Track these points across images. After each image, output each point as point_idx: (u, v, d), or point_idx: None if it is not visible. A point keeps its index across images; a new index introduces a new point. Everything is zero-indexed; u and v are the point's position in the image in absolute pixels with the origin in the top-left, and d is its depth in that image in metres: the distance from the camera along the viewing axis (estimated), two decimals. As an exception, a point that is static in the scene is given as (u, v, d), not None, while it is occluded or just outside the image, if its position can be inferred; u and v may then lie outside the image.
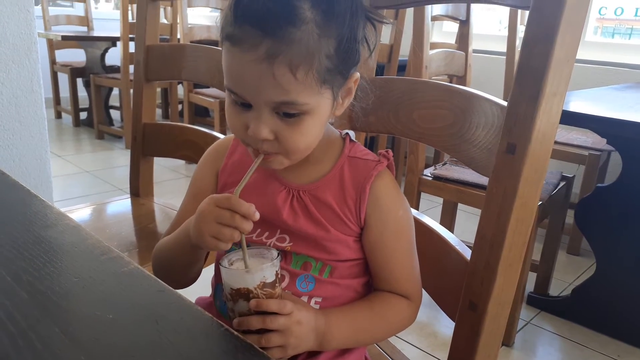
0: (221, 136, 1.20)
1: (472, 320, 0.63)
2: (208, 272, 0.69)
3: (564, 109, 1.43)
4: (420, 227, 0.74)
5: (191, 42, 3.14)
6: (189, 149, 1.24)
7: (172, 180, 2.91)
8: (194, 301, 0.67)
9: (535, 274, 1.85)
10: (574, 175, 1.82)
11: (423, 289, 0.74)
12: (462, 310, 0.65)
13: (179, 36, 3.17)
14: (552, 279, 1.89)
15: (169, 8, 4.08)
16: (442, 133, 0.72)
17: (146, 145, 1.31)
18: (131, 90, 3.32)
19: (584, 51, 2.73)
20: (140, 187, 1.33)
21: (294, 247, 0.59)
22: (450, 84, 0.72)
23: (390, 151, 0.63)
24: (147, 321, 0.34)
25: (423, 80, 0.76)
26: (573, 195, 2.19)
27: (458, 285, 0.66)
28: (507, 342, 1.57)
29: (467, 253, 0.67)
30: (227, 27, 0.50)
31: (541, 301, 1.78)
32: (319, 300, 0.59)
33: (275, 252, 0.54)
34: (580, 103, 1.71)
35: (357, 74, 0.59)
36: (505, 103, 0.61)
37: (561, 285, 1.96)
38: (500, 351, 1.55)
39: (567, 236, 2.21)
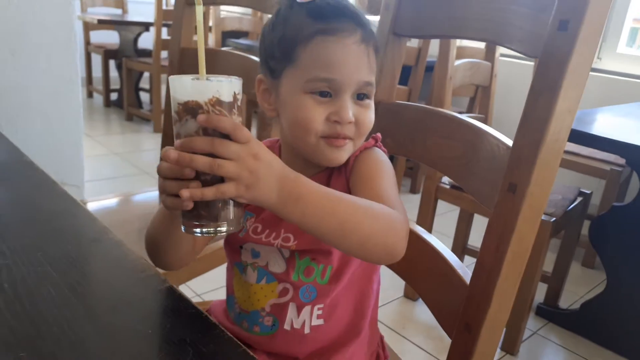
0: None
1: (467, 340, 0.68)
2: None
3: (584, 130, 1.45)
4: (427, 248, 0.79)
5: (222, 32, 3.22)
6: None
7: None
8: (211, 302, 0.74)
9: (546, 285, 1.88)
10: (592, 192, 1.84)
11: (425, 304, 0.80)
12: (458, 330, 0.70)
13: (210, 24, 3.25)
14: (564, 291, 1.92)
15: (203, -5, 4.14)
16: (453, 163, 0.77)
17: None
18: (161, 76, 3.45)
19: (616, 63, 2.71)
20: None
21: (298, 245, 0.62)
22: (461, 117, 0.77)
23: (379, 135, 0.68)
24: (180, 339, 0.41)
25: (435, 110, 0.81)
26: (592, 207, 2.21)
27: (456, 306, 0.71)
28: (512, 351, 1.62)
29: (467, 277, 0.72)
30: (316, 24, 0.57)
31: (550, 313, 1.82)
32: (321, 306, 0.63)
33: (237, 77, 0.48)
34: (601, 122, 1.73)
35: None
36: (510, 142, 0.65)
37: (572, 297, 1.99)
38: (504, 359, 1.60)
39: (583, 249, 2.23)
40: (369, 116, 0.62)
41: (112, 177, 2.70)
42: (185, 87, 0.45)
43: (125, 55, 3.80)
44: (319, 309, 0.63)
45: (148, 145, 3.35)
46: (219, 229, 0.46)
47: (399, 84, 2.44)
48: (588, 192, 1.81)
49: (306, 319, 0.63)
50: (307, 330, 0.63)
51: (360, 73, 0.59)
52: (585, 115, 1.72)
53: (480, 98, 1.99)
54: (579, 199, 1.74)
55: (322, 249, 0.62)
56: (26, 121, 1.67)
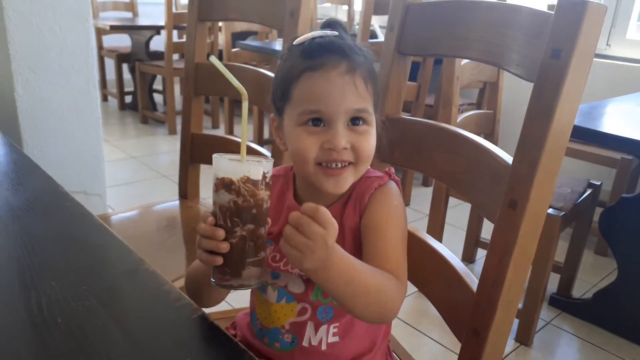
0: (260, 149, 1.32)
1: (475, 344, 0.74)
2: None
3: (591, 127, 1.48)
4: (436, 257, 0.84)
5: (232, 33, 3.27)
6: (232, 159, 1.36)
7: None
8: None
9: (559, 276, 1.92)
10: (601, 183, 1.86)
11: (437, 310, 0.85)
12: (467, 334, 0.75)
13: (220, 24, 3.30)
14: (577, 279, 1.96)
15: None
16: (457, 177, 0.81)
17: (194, 153, 1.43)
18: (174, 79, 3.51)
19: (626, 49, 2.70)
20: (188, 190, 1.47)
21: None
22: (465, 133, 0.81)
23: (392, 169, 0.72)
24: None
25: (441, 126, 0.85)
26: (605, 194, 2.24)
27: (465, 312, 0.76)
28: (526, 341, 1.66)
29: (474, 283, 0.77)
30: (305, 62, 0.62)
31: (563, 302, 1.86)
32: (337, 325, 0.68)
33: (268, 159, 0.57)
34: (609, 116, 1.75)
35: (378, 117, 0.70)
36: (510, 160, 0.69)
37: (585, 286, 2.02)
38: (518, 350, 1.65)
39: (596, 237, 2.25)
40: (367, 142, 0.64)
41: (131, 182, 2.78)
42: (223, 166, 0.55)
43: (137, 59, 3.86)
44: (334, 327, 0.68)
45: (164, 148, 3.43)
46: (241, 285, 0.57)
47: (409, 80, 2.47)
48: (597, 183, 1.84)
49: (323, 337, 0.68)
50: (324, 347, 0.68)
51: (347, 102, 0.61)
52: (593, 109, 1.74)
53: (488, 94, 2.01)
54: (589, 191, 1.77)
55: None
56: (48, 135, 1.74)
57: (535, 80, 0.65)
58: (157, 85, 4.22)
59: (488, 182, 0.74)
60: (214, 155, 0.56)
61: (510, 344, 1.67)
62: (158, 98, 4.27)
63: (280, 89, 0.65)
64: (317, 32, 0.64)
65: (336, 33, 0.65)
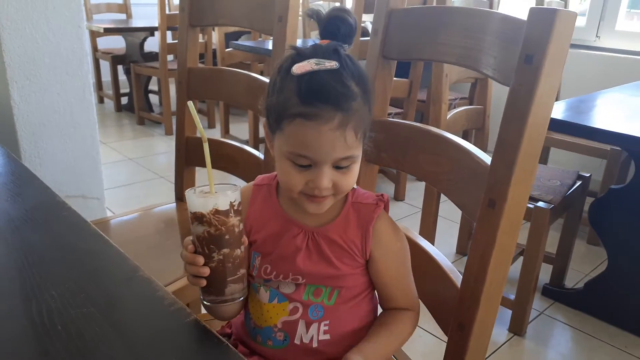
0: (253, 151, 1.35)
1: (461, 338, 0.77)
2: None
3: (579, 122, 1.50)
4: (423, 254, 0.87)
5: (226, 33, 3.28)
6: (225, 162, 1.39)
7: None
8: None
9: (552, 266, 1.95)
10: (590, 175, 1.89)
11: (424, 305, 0.88)
12: (452, 328, 0.78)
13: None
14: (570, 270, 1.99)
15: None
16: (441, 178, 0.84)
17: (189, 156, 1.46)
18: (169, 80, 3.53)
19: (615, 40, 2.73)
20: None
21: (307, 282, 0.71)
22: (448, 135, 0.84)
23: (385, 195, 0.75)
24: None
25: (425, 128, 0.88)
26: (596, 184, 2.27)
27: (451, 307, 0.79)
28: (519, 332, 1.70)
29: (459, 280, 0.80)
30: (298, 107, 0.62)
31: (555, 293, 1.89)
32: (327, 322, 0.72)
33: (234, 187, 0.62)
34: (597, 109, 1.78)
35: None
36: (489, 161, 0.72)
37: (578, 276, 2.06)
38: (512, 340, 1.68)
39: (588, 227, 2.29)
40: (349, 179, 0.67)
41: (129, 184, 2.80)
42: (193, 202, 0.61)
43: (132, 61, 3.88)
44: (325, 325, 0.71)
45: (161, 149, 3.45)
46: (224, 301, 0.64)
47: (401, 76, 2.50)
48: (587, 175, 1.87)
49: (314, 334, 0.71)
50: (315, 344, 0.71)
51: (335, 152, 0.63)
52: (582, 102, 1.77)
53: (479, 90, 2.04)
54: (578, 183, 1.80)
55: (330, 280, 0.71)
56: (45, 141, 1.76)
57: (510, 85, 0.68)
58: (153, 86, 4.24)
59: (469, 183, 0.77)
60: (186, 192, 0.62)
61: (504, 335, 1.71)
62: (154, 99, 4.29)
63: (273, 114, 0.66)
64: (316, 65, 0.62)
65: (336, 66, 0.62)
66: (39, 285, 0.61)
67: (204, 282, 0.63)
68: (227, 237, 0.61)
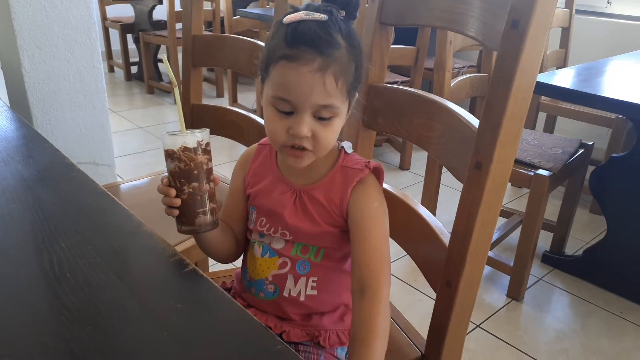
0: (257, 118, 1.38)
1: (448, 294, 0.81)
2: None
3: (583, 90, 1.51)
4: (414, 215, 0.90)
5: (233, 0, 3.27)
6: (230, 128, 1.43)
7: (217, 156, 3.13)
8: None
9: (552, 234, 1.98)
10: (593, 143, 1.90)
11: (416, 265, 0.92)
12: (440, 285, 0.82)
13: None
14: (572, 238, 2.02)
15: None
16: (434, 142, 0.87)
17: (195, 123, 1.50)
18: (178, 48, 3.54)
19: (626, 6, 2.68)
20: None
21: (294, 239, 0.75)
22: (441, 100, 0.86)
23: (375, 163, 0.76)
24: (204, 313, 0.54)
25: (419, 93, 0.90)
26: (601, 153, 2.28)
27: (439, 265, 0.83)
28: (517, 297, 1.74)
29: (447, 239, 0.83)
30: (283, 50, 0.66)
31: (555, 260, 1.93)
32: (315, 279, 0.76)
33: (202, 130, 0.68)
34: (604, 77, 1.77)
35: (357, 94, 0.75)
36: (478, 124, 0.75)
37: (579, 244, 2.09)
38: (509, 305, 1.73)
39: (590, 196, 2.30)
40: (327, 134, 0.69)
41: (139, 152, 2.86)
42: (165, 140, 0.67)
43: (141, 29, 3.89)
44: (313, 281, 0.76)
45: (171, 118, 3.49)
46: (193, 230, 0.69)
47: (408, 44, 2.49)
48: (589, 143, 1.87)
49: (302, 289, 0.76)
50: (302, 298, 0.76)
51: (314, 97, 0.65)
52: (589, 69, 1.77)
53: (484, 57, 2.04)
54: (581, 151, 1.81)
55: (314, 239, 0.75)
56: (56, 108, 1.81)
57: (497, 49, 0.70)
58: (162, 54, 4.25)
59: (459, 146, 0.80)
60: (161, 133, 0.68)
61: (502, 300, 1.75)
62: (163, 68, 4.30)
63: (264, 62, 0.70)
64: (305, 14, 0.66)
65: (325, 18, 0.66)
66: (50, 238, 0.65)
67: (176, 212, 0.68)
68: (195, 172, 0.67)
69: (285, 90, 0.66)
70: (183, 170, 0.67)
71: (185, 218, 0.69)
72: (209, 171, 0.69)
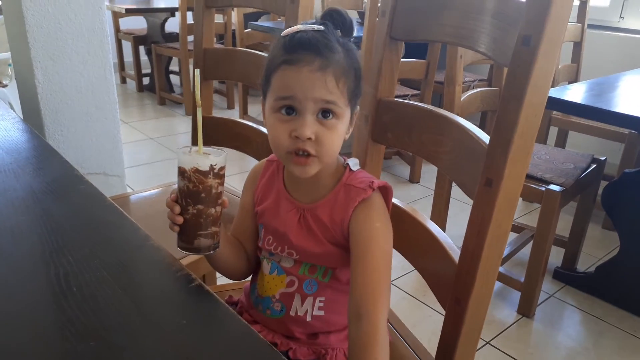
0: (266, 131, 1.38)
1: (457, 312, 0.79)
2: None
3: (595, 105, 1.50)
4: (424, 230, 0.89)
5: (244, 14, 3.30)
6: (239, 140, 1.43)
7: (227, 167, 3.14)
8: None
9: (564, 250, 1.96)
10: (605, 159, 1.88)
11: (425, 282, 0.91)
12: (450, 303, 0.81)
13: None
14: (584, 254, 1.99)
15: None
16: (443, 157, 0.86)
17: (205, 135, 1.50)
18: (189, 60, 3.57)
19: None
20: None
21: (301, 258, 0.75)
22: (451, 116, 0.86)
23: (379, 183, 0.74)
24: (209, 329, 0.54)
25: (429, 109, 0.89)
26: (613, 168, 2.25)
27: (448, 282, 0.82)
28: (527, 314, 1.72)
29: (457, 256, 0.82)
30: (283, 56, 0.67)
31: (566, 276, 1.90)
32: (322, 299, 0.75)
33: (220, 152, 0.68)
34: (617, 92, 1.76)
35: (358, 107, 0.75)
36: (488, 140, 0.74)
37: (591, 260, 2.06)
38: (520, 322, 1.70)
39: (603, 212, 2.27)
40: (331, 137, 0.68)
41: (149, 163, 2.87)
42: (180, 158, 0.67)
43: (153, 41, 3.93)
44: (320, 301, 0.75)
45: (181, 129, 3.51)
46: (190, 251, 0.68)
47: (419, 57, 2.49)
48: (602, 158, 1.85)
49: (309, 309, 0.75)
50: (309, 318, 0.75)
51: (315, 91, 0.65)
52: (600, 84, 1.76)
53: (495, 71, 2.03)
54: (593, 166, 1.79)
55: (320, 259, 0.74)
56: (68, 119, 1.82)
57: (508, 66, 0.69)
58: (174, 66, 4.29)
59: (469, 162, 0.79)
60: (177, 149, 0.68)
61: (512, 316, 1.73)
62: (175, 79, 4.34)
63: (264, 75, 0.71)
64: (302, 26, 0.68)
65: (322, 28, 0.68)
66: (57, 251, 0.65)
67: (177, 229, 0.68)
68: (202, 195, 0.66)
69: (286, 89, 0.67)
70: (191, 191, 0.66)
71: (185, 237, 0.68)
72: (218, 195, 0.68)
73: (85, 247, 0.66)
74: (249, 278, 0.85)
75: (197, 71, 0.70)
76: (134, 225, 0.71)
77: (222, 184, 0.68)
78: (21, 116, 1.76)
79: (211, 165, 0.66)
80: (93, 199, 0.80)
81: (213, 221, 0.68)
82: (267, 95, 0.70)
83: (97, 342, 0.50)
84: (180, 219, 0.67)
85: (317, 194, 0.74)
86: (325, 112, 0.67)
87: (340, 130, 0.70)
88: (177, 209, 0.67)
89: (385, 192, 0.75)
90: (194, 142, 1.56)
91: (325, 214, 0.73)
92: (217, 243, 0.70)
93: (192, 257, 1.15)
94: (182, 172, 0.66)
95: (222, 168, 0.67)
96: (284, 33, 0.70)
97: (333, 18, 0.71)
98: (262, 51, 1.38)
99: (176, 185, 0.69)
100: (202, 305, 0.57)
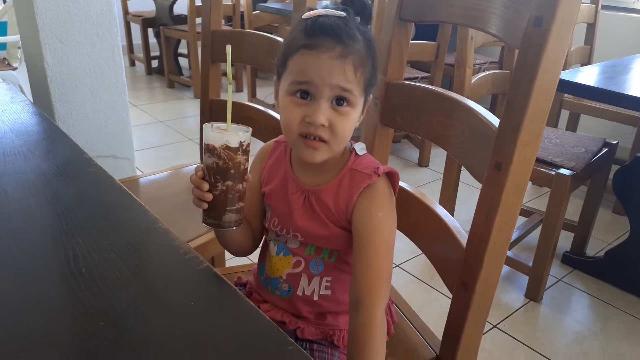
0: (274, 114, 1.38)
1: (464, 296, 0.79)
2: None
3: (607, 88, 1.49)
4: (432, 214, 0.89)
5: (253, -5, 3.27)
6: (247, 123, 1.40)
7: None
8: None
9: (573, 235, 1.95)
10: (617, 142, 1.86)
11: (432, 265, 0.91)
12: (457, 287, 0.81)
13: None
14: (593, 238, 1.98)
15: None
16: (453, 140, 0.85)
17: (213, 118, 1.50)
18: (198, 42, 3.56)
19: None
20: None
21: (306, 240, 0.75)
22: (461, 99, 0.85)
23: (381, 168, 0.73)
24: (217, 311, 0.55)
25: (439, 91, 0.89)
26: (626, 152, 2.22)
27: (456, 266, 0.82)
28: (535, 297, 1.72)
29: (464, 240, 0.82)
30: (303, 40, 0.66)
31: (575, 261, 1.89)
32: (329, 279, 0.76)
33: (246, 129, 0.68)
34: (630, 74, 1.73)
35: (371, 96, 0.74)
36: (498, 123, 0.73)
37: (601, 244, 2.05)
38: (527, 305, 1.70)
39: (614, 196, 2.25)
40: (344, 124, 0.68)
41: (159, 145, 2.88)
42: (208, 135, 0.66)
43: (162, 23, 3.92)
44: (327, 281, 0.75)
45: (190, 112, 3.51)
46: (220, 225, 0.69)
47: (429, 39, 2.46)
48: (614, 142, 1.83)
49: (315, 288, 0.75)
50: (316, 297, 0.76)
51: (333, 78, 0.65)
52: (610, 67, 1.73)
53: (505, 54, 2.00)
54: (604, 150, 1.77)
55: (325, 241, 0.74)
56: (77, 102, 1.83)
57: (519, 47, 0.68)
58: (183, 49, 4.28)
59: (478, 145, 0.79)
60: (204, 125, 0.67)
61: (520, 300, 1.73)
62: (184, 62, 4.34)
63: (281, 57, 0.70)
64: (324, 10, 0.67)
65: (343, 14, 0.67)
66: (67, 233, 0.66)
67: (205, 206, 0.67)
68: (232, 171, 0.66)
69: (304, 74, 0.66)
70: (221, 168, 0.66)
71: (213, 213, 0.68)
72: (245, 171, 0.69)
73: (94, 229, 0.67)
74: (256, 259, 0.85)
75: (229, 47, 0.68)
76: (142, 208, 0.71)
77: (247, 160, 0.68)
78: (31, 99, 1.76)
79: (241, 142, 0.66)
80: (102, 182, 0.81)
81: (240, 196, 0.69)
82: (283, 77, 0.70)
83: (106, 322, 0.51)
84: (209, 196, 0.67)
85: (322, 178, 0.74)
86: (340, 100, 0.67)
87: (353, 118, 0.70)
88: (206, 186, 0.66)
89: (392, 177, 0.74)
90: (203, 125, 1.56)
91: (330, 198, 0.73)
92: (242, 217, 0.71)
93: (202, 239, 1.16)
94: (211, 149, 0.65)
95: (248, 144, 0.68)
96: (305, 15, 0.68)
97: (353, 3, 0.70)
98: (270, 33, 1.37)
99: (195, 165, 0.68)
100: (210, 288, 0.58)
